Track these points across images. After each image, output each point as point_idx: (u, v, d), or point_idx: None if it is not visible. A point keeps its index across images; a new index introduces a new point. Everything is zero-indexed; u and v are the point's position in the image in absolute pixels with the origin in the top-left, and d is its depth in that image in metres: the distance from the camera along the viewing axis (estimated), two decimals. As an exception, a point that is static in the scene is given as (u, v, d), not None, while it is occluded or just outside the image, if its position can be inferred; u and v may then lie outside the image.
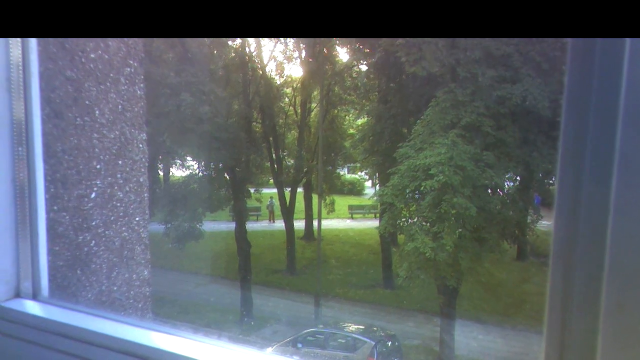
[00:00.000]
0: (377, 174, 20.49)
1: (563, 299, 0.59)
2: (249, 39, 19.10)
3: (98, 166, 1.38)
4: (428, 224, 13.84)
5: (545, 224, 15.24)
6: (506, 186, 15.07)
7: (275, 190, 21.73)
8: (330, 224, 23.94)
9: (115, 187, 1.44)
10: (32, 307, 1.18)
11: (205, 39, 16.68)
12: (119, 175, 1.44)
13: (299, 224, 22.87)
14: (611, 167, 0.56)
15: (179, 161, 19.65)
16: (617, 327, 0.55)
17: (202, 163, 18.79)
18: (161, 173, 22.22)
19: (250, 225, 20.97)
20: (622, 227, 0.55)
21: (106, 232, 1.40)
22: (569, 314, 0.59)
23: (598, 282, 0.57)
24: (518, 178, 15.53)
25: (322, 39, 18.32)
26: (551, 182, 15.29)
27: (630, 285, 0.55)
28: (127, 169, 1.47)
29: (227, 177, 19.24)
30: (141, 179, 1.51)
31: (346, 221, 27.10)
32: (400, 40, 14.29)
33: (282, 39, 20.31)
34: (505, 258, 16.38)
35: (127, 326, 1.03)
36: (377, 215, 20.69)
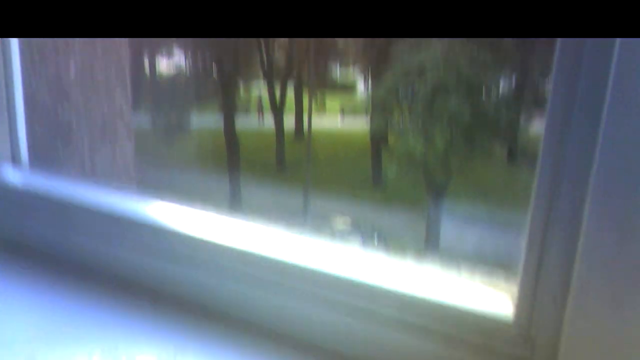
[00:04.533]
0: (369, 71, 20.12)
1: (550, 189, 0.58)
2: None
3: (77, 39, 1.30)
4: (420, 124, 13.84)
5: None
6: (501, 87, 14.93)
7: (265, 85, 21.35)
8: (320, 122, 23.79)
9: (95, 62, 1.37)
10: (12, 175, 1.14)
11: None
12: (99, 50, 1.37)
13: (289, 122, 22.73)
14: (609, 60, 0.51)
15: (165, 50, 19.05)
16: (603, 213, 0.54)
17: (189, 53, 18.27)
18: (147, 69, 21.65)
19: (239, 121, 20.83)
20: (616, 122, 0.52)
21: (87, 105, 1.34)
22: (554, 201, 0.58)
23: (586, 174, 0.55)
24: (514, 78, 15.35)
25: None
26: (547, 83, 15.15)
27: (619, 176, 0.53)
28: (108, 42, 1.39)
29: (216, 71, 18.83)
30: (122, 52, 1.43)
31: (337, 120, 26.97)
32: None
33: None
34: (495, 160, 16.57)
35: (111, 191, 1.01)
36: (369, 114, 20.58)
